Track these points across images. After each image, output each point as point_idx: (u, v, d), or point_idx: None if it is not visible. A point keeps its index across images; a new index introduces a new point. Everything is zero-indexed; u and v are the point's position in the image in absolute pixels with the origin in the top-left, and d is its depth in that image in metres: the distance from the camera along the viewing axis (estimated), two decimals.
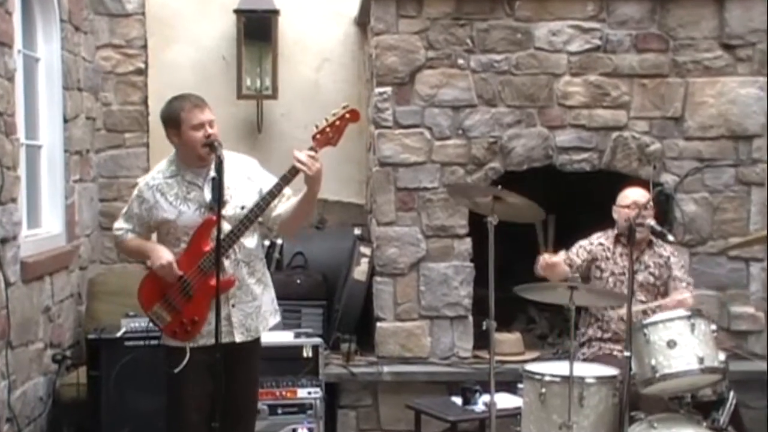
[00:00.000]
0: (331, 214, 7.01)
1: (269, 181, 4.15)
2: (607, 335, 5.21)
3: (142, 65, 7.01)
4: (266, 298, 4.22)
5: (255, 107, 7.00)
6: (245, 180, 4.14)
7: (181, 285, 4.02)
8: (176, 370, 4.05)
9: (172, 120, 4.04)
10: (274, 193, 4.00)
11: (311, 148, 3.97)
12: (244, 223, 3.98)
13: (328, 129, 4.01)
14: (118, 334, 5.47)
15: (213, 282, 3.96)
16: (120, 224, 4.25)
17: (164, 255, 4.01)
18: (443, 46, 6.07)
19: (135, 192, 4.20)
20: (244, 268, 4.10)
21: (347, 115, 4.05)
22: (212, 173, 4.01)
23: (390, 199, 6.11)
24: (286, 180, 3.99)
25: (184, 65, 7.04)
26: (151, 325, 4.33)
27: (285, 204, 4.12)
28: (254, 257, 4.14)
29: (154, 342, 4.66)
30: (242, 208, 4.06)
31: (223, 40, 7.03)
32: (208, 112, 4.03)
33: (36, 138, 5.88)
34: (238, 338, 4.07)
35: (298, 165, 3.91)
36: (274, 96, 6.92)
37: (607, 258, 5.26)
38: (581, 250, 5.30)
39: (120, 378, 5.34)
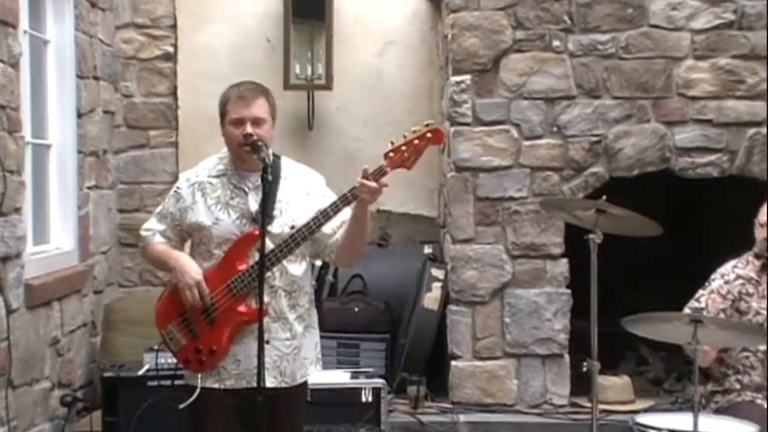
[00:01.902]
0: (397, 228, 6.98)
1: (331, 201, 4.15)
2: (747, 383, 5.07)
3: (171, 49, 7.06)
4: (308, 341, 4.16)
5: (305, 99, 7.01)
6: (302, 195, 4.12)
7: (205, 306, 4.01)
8: (181, 406, 4.04)
9: (220, 110, 4.11)
10: (329, 214, 3.97)
11: (380, 170, 3.94)
12: (288, 244, 3.95)
13: (404, 148, 3.97)
14: (140, 372, 5.47)
15: (241, 308, 3.96)
16: (150, 224, 4.20)
17: (192, 270, 3.99)
18: (534, 24, 6.04)
19: (173, 188, 4.22)
20: (284, 299, 4.05)
21: (428, 134, 3.99)
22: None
23: (468, 210, 6.08)
24: (345, 201, 3.97)
25: (220, 49, 7.07)
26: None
27: (342, 230, 4.11)
28: (298, 288, 4.10)
29: (183, 382, 4.64)
30: (292, 227, 4.03)
31: (267, 18, 7.06)
32: (255, 108, 4.02)
33: (44, 136, 5.91)
34: (269, 382, 3.98)
35: (362, 191, 3.90)
36: (328, 86, 6.93)
37: (750, 294, 5.10)
38: (715, 297, 5.09)
39: (142, 425, 5.33)
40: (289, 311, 4.06)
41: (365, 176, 3.90)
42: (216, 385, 4.03)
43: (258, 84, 4.14)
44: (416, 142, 3.97)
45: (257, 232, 3.91)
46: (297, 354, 4.09)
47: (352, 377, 5.67)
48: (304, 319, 4.13)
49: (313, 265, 4.31)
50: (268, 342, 3.95)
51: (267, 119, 4.04)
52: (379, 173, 3.95)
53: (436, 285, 6.24)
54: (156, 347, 5.39)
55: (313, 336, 4.19)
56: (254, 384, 3.87)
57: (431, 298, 6.23)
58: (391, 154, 3.96)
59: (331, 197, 4.12)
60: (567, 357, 6.03)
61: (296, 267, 4.07)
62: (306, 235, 3.97)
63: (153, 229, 4.18)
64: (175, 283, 4.03)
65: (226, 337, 4.00)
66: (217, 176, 4.10)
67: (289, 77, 6.86)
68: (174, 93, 7.07)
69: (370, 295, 6.47)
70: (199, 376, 4.05)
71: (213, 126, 6.85)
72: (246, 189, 4.04)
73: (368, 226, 4.10)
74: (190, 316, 4.02)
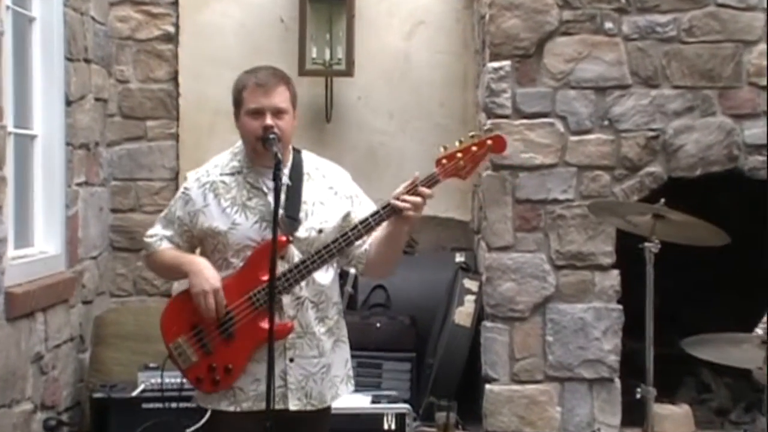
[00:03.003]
0: (424, 233, 6.95)
1: (362, 204, 4.16)
2: None
3: (172, 29, 7.07)
4: (338, 357, 4.17)
5: (323, 87, 7.00)
6: (329, 195, 4.13)
7: (221, 318, 4.00)
8: (189, 431, 4.05)
9: (235, 98, 4.10)
10: (371, 225, 3.97)
11: (431, 179, 3.94)
12: (321, 255, 3.96)
13: (459, 155, 3.96)
14: (134, 393, 5.50)
15: (264, 324, 3.90)
16: (155, 230, 4.20)
17: (211, 276, 3.98)
18: (584, 3, 6.00)
19: (181, 189, 4.21)
20: (311, 311, 4.05)
21: (489, 142, 4.00)
22: (286, 178, 4.00)
23: (506, 214, 6.05)
24: (390, 211, 3.95)
25: (227, 29, 7.08)
26: (179, 380, 4.30)
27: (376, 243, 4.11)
28: (326, 299, 4.11)
29: (182, 404, 4.63)
30: (320, 231, 4.04)
31: None
32: (276, 97, 4.02)
33: (28, 126, 5.91)
34: (293, 405, 4.01)
35: (402, 205, 3.90)
36: (348, 72, 6.92)
37: None
38: None
39: None
40: (316, 325, 4.07)
41: (411, 190, 3.91)
42: (231, 408, 4.03)
43: (277, 69, 4.14)
44: (474, 149, 3.97)
45: (284, 239, 3.93)
46: (326, 373, 4.10)
47: (373, 401, 5.68)
48: (333, 332, 4.14)
49: (340, 272, 4.31)
50: (292, 360, 3.99)
51: (288, 110, 4.04)
52: (430, 182, 3.95)
53: (469, 298, 6.23)
54: (152, 365, 5.40)
55: (343, 351, 4.20)
56: (275, 406, 3.86)
57: (463, 313, 6.22)
58: (444, 161, 3.96)
59: (364, 198, 4.18)
60: (618, 382, 5.98)
61: (324, 275, 4.08)
62: (343, 246, 3.98)
63: (158, 234, 4.18)
64: (189, 289, 4.00)
65: (245, 356, 4.00)
66: (231, 174, 4.10)
67: (304, 62, 6.84)
68: (175, 79, 7.08)
69: (394, 309, 6.45)
70: (213, 404, 4.04)
71: (218, 116, 6.92)
72: (265, 189, 4.04)
73: (406, 240, 4.08)
74: (204, 329, 4.01)
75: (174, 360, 4.08)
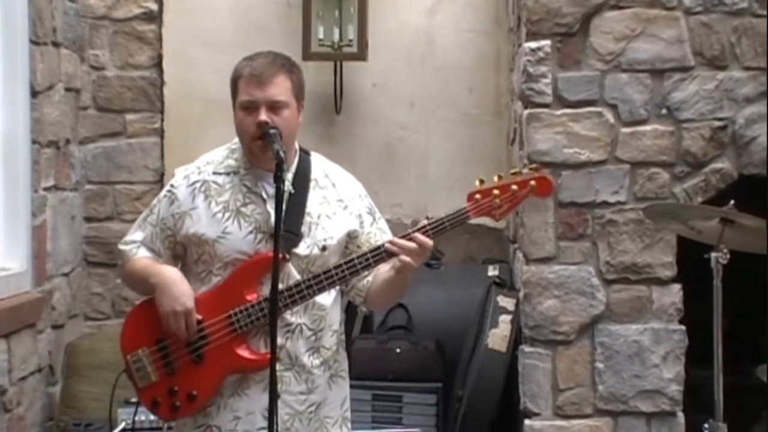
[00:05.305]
0: (452, 244, 6.93)
1: (376, 222, 4.19)
2: None
3: (155, 6, 7.08)
4: (334, 395, 4.18)
5: (331, 73, 7.03)
6: (337, 208, 4.14)
7: (190, 338, 4.01)
8: None
9: (231, 89, 4.10)
10: (382, 255, 3.99)
11: (460, 215, 3.97)
12: (320, 281, 3.97)
13: (496, 191, 3.99)
14: None
15: (242, 351, 3.97)
16: (131, 235, 4.21)
17: (181, 294, 3.98)
18: None
19: (166, 187, 4.21)
20: (302, 340, 4.06)
21: (533, 183, 4.02)
22: (288, 184, 4.01)
23: (547, 220, 6.04)
24: (377, 258, 3.99)
25: (220, 6, 7.10)
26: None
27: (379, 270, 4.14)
28: (325, 325, 4.12)
29: None
30: (323, 249, 4.05)
31: None
32: (273, 88, 4.03)
33: None
34: None
35: (398, 252, 3.93)
36: (361, 56, 6.93)
37: None
38: None
39: None
40: (309, 356, 4.07)
41: (410, 235, 3.94)
42: None
43: (279, 55, 4.14)
44: (515, 188, 4.01)
45: (281, 255, 3.88)
46: (314, 412, 4.11)
47: None
48: (330, 366, 4.15)
49: (342, 293, 4.29)
50: (278, 396, 3.93)
51: (289, 103, 4.05)
52: (458, 218, 3.98)
53: (504, 318, 6.22)
54: (134, 400, 5.38)
55: (341, 389, 4.21)
56: None
57: (497, 336, 6.20)
58: (477, 196, 4.00)
59: (378, 216, 4.21)
60: (681, 416, 5.95)
61: (325, 296, 4.08)
62: (346, 275, 3.99)
63: (135, 241, 4.17)
64: (156, 306, 4.01)
65: (213, 384, 4.00)
66: (226, 174, 4.11)
67: (309, 44, 6.87)
68: (158, 65, 7.12)
69: (417, 332, 6.45)
70: (165, 426, 4.05)
71: (210, 108, 6.93)
72: (264, 194, 4.05)
73: (411, 280, 4.10)
74: (170, 345, 4.02)
75: (131, 375, 4.09)
